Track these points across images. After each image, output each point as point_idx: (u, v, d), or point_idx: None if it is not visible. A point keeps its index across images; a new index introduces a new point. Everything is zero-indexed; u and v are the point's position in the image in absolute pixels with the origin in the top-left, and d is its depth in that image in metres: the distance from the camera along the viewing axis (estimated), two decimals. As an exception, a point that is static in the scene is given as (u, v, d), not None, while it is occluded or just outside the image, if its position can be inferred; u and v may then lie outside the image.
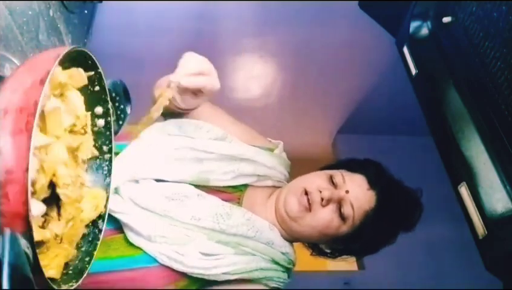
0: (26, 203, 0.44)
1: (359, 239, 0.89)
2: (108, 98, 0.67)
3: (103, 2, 1.05)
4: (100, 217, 0.65)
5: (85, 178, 0.65)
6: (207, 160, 0.89)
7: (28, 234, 0.45)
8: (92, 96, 0.66)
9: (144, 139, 0.88)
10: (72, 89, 0.61)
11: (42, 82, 0.48)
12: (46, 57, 0.54)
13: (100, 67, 0.64)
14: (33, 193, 0.52)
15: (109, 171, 0.68)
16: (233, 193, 0.92)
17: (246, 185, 0.94)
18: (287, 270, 0.91)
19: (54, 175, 0.54)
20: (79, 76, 0.61)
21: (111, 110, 0.68)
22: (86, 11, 1.03)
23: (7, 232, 0.42)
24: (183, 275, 0.81)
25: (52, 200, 0.56)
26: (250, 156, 0.92)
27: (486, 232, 0.83)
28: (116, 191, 0.83)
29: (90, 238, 0.63)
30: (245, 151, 0.92)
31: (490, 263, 0.85)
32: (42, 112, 0.54)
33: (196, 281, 0.82)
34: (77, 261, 0.60)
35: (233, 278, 0.82)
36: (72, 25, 0.96)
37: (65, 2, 0.90)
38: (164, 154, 0.87)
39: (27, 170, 0.44)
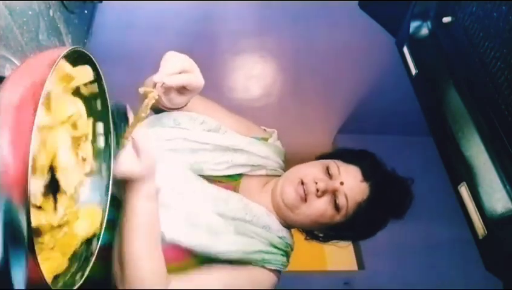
0: (26, 172, 0.45)
1: (352, 227, 0.93)
2: (110, 116, 0.68)
3: (103, 2, 1.05)
4: (95, 236, 0.65)
5: (83, 194, 0.65)
6: (202, 150, 0.90)
7: (26, 204, 0.45)
8: (95, 113, 0.66)
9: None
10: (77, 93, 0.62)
11: (50, 65, 0.50)
12: (51, 52, 0.55)
13: (100, 69, 0.64)
14: (33, 171, 0.52)
15: (107, 188, 0.68)
16: (228, 183, 0.93)
17: (240, 175, 0.95)
18: (286, 253, 0.93)
19: (54, 161, 0.54)
20: (85, 71, 0.62)
21: (111, 128, 0.68)
22: (86, 11, 1.03)
23: (3, 194, 0.43)
24: (189, 254, 0.82)
25: (49, 195, 0.57)
26: (243, 146, 0.93)
27: (486, 232, 0.83)
28: None
29: (83, 257, 0.63)
30: (238, 142, 0.94)
31: (490, 263, 0.85)
32: (48, 96, 0.55)
33: (199, 261, 0.83)
34: (68, 276, 0.59)
35: (234, 258, 0.84)
36: (72, 25, 0.96)
37: (65, 2, 0.90)
38: (157, 145, 0.87)
39: (30, 142, 0.45)
